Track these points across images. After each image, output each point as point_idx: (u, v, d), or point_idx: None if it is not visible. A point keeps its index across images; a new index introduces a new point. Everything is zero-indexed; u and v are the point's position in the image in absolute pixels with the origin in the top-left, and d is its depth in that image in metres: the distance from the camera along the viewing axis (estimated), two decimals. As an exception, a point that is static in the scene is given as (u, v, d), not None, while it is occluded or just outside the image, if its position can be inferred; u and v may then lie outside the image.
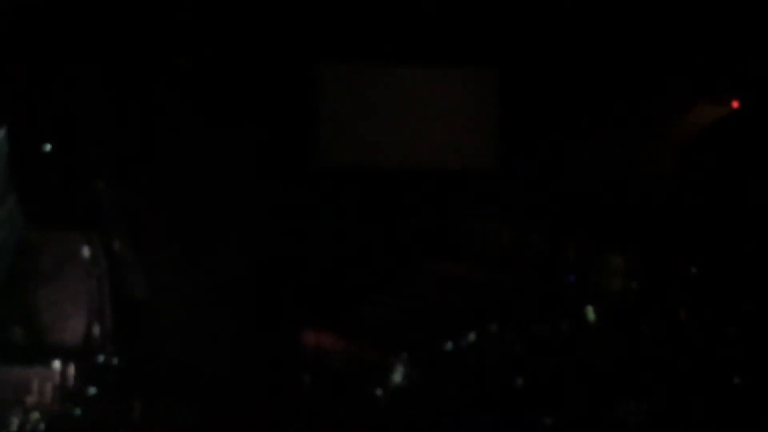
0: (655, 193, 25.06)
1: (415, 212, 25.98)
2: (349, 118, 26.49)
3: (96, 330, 27.85)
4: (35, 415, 24.39)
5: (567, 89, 25.56)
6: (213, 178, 25.99)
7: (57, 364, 26.82)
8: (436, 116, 26.65)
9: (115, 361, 26.92)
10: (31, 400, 26.45)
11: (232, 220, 25.96)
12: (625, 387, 20.81)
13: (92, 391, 26.16)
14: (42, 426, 24.08)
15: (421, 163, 26.32)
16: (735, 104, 25.56)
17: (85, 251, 27.82)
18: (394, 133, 26.40)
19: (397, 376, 23.62)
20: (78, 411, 25.29)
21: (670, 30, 24.81)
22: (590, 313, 23.81)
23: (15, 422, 23.83)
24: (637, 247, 24.74)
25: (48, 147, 26.48)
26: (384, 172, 26.27)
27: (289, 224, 26.01)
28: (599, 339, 22.92)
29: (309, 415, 22.60)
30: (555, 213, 25.70)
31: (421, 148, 26.42)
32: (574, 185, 25.75)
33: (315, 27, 25.26)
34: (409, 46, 25.71)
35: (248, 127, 25.58)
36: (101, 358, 27.14)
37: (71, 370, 26.84)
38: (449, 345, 23.71)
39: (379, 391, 23.33)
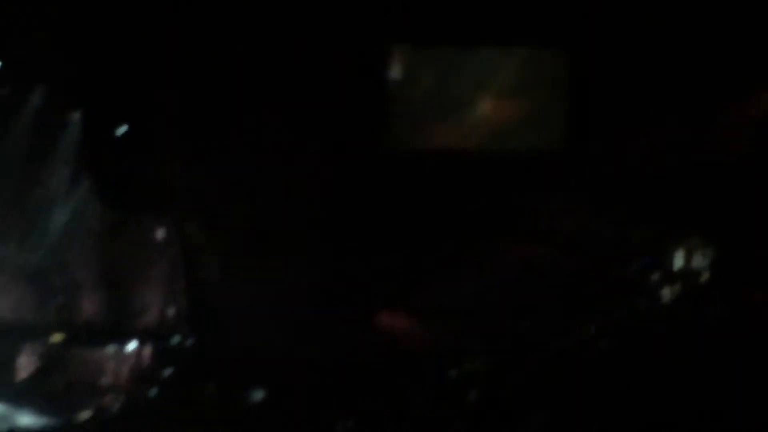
0: (731, 176, 24.72)
1: (488, 194, 25.87)
2: (420, 100, 26.44)
3: (170, 312, 28.19)
4: (111, 397, 24.67)
5: (638, 71, 25.30)
6: (285, 161, 26.05)
7: (132, 345, 27.24)
8: (507, 98, 26.51)
9: (189, 342, 27.25)
10: (106, 381, 26.89)
11: (304, 202, 26.02)
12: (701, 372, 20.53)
13: (167, 372, 26.50)
14: (118, 407, 24.35)
15: (494, 145, 26.22)
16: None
17: (159, 233, 28.13)
18: (466, 115, 26.32)
19: (471, 359, 23.59)
20: (153, 392, 25.59)
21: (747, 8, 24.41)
22: (665, 295, 23.61)
23: (92, 404, 24.16)
24: (713, 231, 24.44)
25: (122, 130, 26.72)
26: (456, 154, 26.19)
27: (361, 208, 26.04)
28: (674, 323, 22.69)
29: (382, 397, 22.64)
30: (628, 195, 25.47)
31: (493, 129, 26.32)
32: (648, 167, 25.50)
33: (387, 8, 25.17)
34: (481, 28, 25.56)
35: (320, 111, 25.60)
36: (176, 340, 27.50)
37: (146, 351, 27.24)
38: (523, 327, 23.60)
39: (452, 374, 23.30)
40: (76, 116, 27.45)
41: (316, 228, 25.91)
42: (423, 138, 26.50)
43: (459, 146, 26.35)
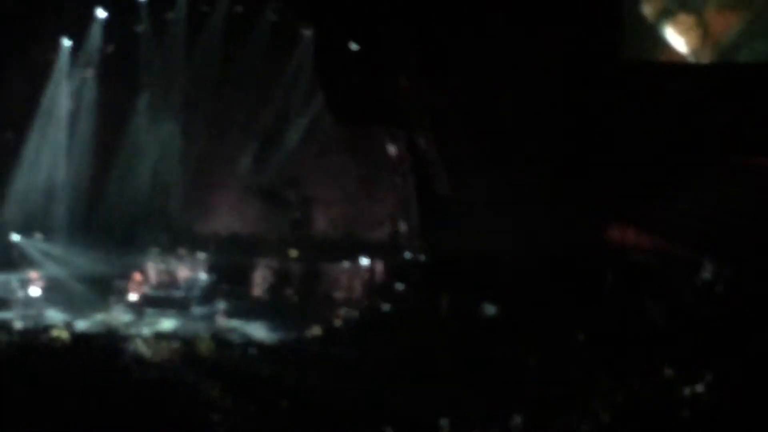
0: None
1: (721, 107, 24.81)
2: (651, 16, 25.56)
3: (402, 226, 28.32)
4: (345, 310, 24.99)
5: None
6: (515, 72, 25.61)
7: (365, 260, 27.53)
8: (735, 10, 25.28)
9: (421, 257, 27.31)
10: (340, 294, 27.31)
11: (532, 115, 25.56)
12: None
13: (399, 286, 26.66)
14: (352, 320, 24.63)
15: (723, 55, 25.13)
16: None
17: (391, 149, 28.19)
18: (699, 30, 25.28)
19: (704, 272, 22.79)
20: (385, 306, 25.77)
21: None
22: None
23: (328, 315, 24.52)
24: None
25: (354, 45, 26.77)
26: (688, 68, 25.24)
27: (592, 120, 25.41)
28: None
29: (612, 308, 22.16)
30: None
31: (719, 39, 25.23)
32: None
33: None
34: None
35: (556, 25, 25.01)
36: (407, 254, 27.63)
37: (379, 265, 27.48)
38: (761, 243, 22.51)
39: (688, 294, 22.58)
40: (309, 32, 27.73)
41: (541, 140, 25.40)
42: (657, 51, 25.59)
43: (694, 59, 25.31)
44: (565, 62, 25.10)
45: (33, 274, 25.33)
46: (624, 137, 24.87)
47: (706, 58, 24.85)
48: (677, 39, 24.84)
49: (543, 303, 22.37)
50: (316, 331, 23.68)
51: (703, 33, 24.92)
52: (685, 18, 25.00)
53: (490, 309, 23.81)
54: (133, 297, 25.22)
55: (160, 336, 22.26)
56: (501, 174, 25.79)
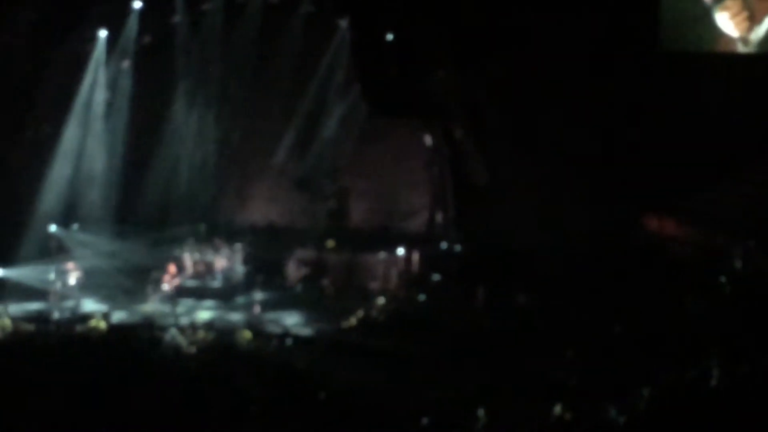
0: None
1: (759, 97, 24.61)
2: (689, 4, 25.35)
3: (439, 217, 28.24)
4: (380, 300, 24.93)
5: None
6: (552, 63, 25.46)
7: (401, 250, 27.46)
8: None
9: (457, 247, 27.23)
10: (376, 285, 27.25)
11: (569, 105, 25.43)
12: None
13: (435, 276, 26.60)
14: (388, 311, 24.57)
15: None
16: None
17: (427, 139, 28.11)
18: (745, 13, 25.05)
19: (739, 262, 22.62)
20: (422, 296, 25.72)
21: None
22: None
23: (364, 306, 24.47)
24: None
25: (390, 37, 26.71)
26: (727, 57, 25.04)
27: (629, 110, 25.27)
28: None
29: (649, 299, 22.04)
30: None
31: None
32: None
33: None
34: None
35: (594, 14, 24.85)
36: (444, 245, 27.55)
37: (415, 256, 27.40)
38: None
39: (722, 279, 22.39)
40: (344, 23, 27.70)
41: (585, 129, 25.26)
42: (692, 40, 25.39)
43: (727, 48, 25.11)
44: (602, 53, 24.99)
45: (70, 265, 25.42)
46: (662, 127, 24.75)
47: (753, 45, 24.71)
48: (726, 24, 24.67)
49: (580, 294, 22.29)
50: (352, 321, 23.68)
51: (750, 17, 24.78)
52: (731, 3, 24.83)
53: (526, 300, 23.77)
54: (167, 288, 25.29)
55: (196, 326, 22.27)
56: (537, 165, 25.72)
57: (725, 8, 24.57)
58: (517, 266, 24.59)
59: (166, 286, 25.23)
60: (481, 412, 15.39)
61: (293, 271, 27.61)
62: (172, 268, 25.73)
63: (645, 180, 24.85)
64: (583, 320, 20.80)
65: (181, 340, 20.74)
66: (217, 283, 26.43)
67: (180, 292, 25.61)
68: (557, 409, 15.52)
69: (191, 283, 26.33)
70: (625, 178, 24.98)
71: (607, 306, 21.58)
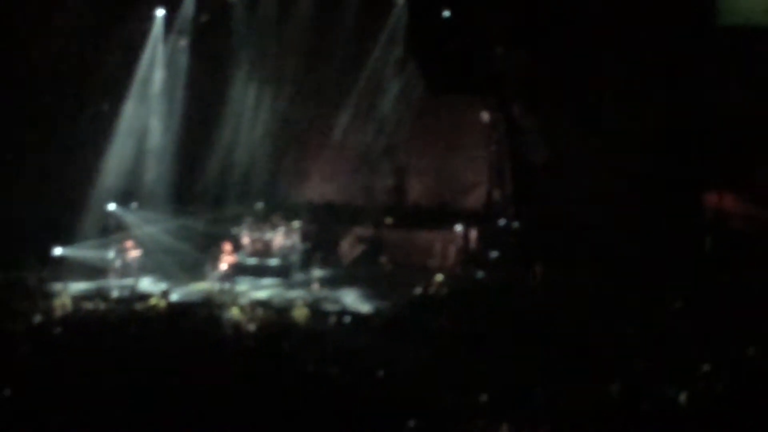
0: None
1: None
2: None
3: (496, 194, 28.07)
4: (438, 277, 24.85)
5: None
6: (610, 39, 25.22)
7: (459, 227, 27.35)
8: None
9: (515, 224, 27.08)
10: (434, 262, 27.17)
11: (628, 84, 25.19)
12: None
13: (493, 254, 26.48)
14: (445, 288, 24.48)
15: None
16: None
17: (485, 116, 27.93)
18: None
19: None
20: (479, 274, 25.63)
21: None
22: None
23: (423, 283, 24.42)
24: None
25: (447, 13, 26.56)
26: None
27: (688, 88, 24.99)
28: None
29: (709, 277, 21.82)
30: None
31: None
32: None
33: None
34: None
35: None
36: (501, 222, 27.41)
37: (473, 234, 27.30)
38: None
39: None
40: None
41: (640, 105, 25.03)
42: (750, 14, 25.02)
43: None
44: (662, 30, 24.69)
45: (128, 243, 25.60)
46: (721, 104, 24.44)
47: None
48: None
49: (638, 272, 22.10)
50: (410, 299, 23.62)
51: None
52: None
53: (584, 277, 23.61)
54: (223, 266, 25.34)
55: (255, 304, 22.34)
56: (596, 142, 25.52)
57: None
58: (576, 244, 24.42)
59: (223, 265, 25.32)
60: (538, 390, 15.29)
61: (351, 248, 27.65)
62: (227, 246, 25.74)
63: (705, 157, 24.62)
64: (642, 298, 20.66)
65: (240, 318, 20.81)
66: (275, 261, 26.49)
67: (239, 271, 25.71)
68: (615, 387, 15.40)
69: (250, 261, 26.42)
70: (684, 155, 24.74)
71: (665, 284, 21.43)
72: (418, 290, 23.93)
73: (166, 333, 19.56)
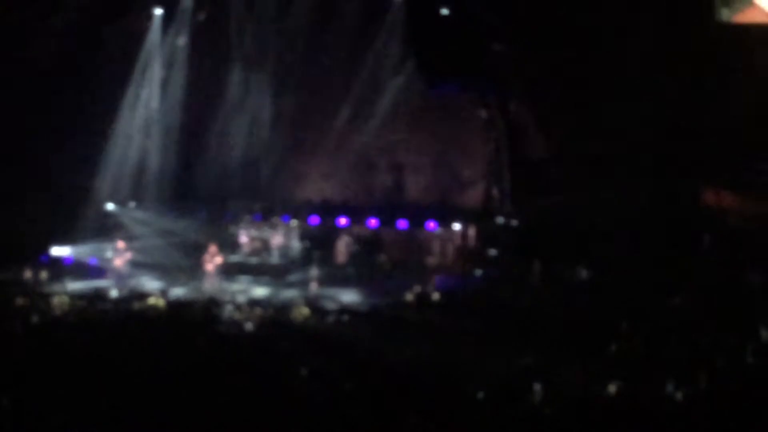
0: None
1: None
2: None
3: (495, 191, 28.07)
4: (437, 275, 24.87)
5: None
6: (609, 36, 25.17)
7: (458, 225, 27.35)
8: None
9: (513, 222, 27.08)
10: (432, 260, 27.20)
11: (626, 80, 25.16)
12: None
13: (492, 251, 26.49)
14: (437, 284, 24.50)
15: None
16: None
17: (483, 113, 27.92)
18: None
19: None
20: (478, 271, 25.64)
21: None
22: None
23: (421, 281, 24.43)
24: None
25: (446, 11, 26.54)
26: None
27: (687, 84, 24.95)
28: None
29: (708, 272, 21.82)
30: None
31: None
32: None
33: None
34: None
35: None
36: (500, 219, 27.41)
37: (471, 231, 27.29)
38: None
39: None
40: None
41: (641, 102, 24.99)
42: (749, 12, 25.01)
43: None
44: (659, 26, 24.65)
45: (127, 243, 25.62)
46: (720, 100, 24.40)
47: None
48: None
49: (637, 268, 22.10)
50: (408, 297, 23.62)
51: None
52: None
53: (583, 274, 23.64)
54: (210, 266, 25.27)
55: (254, 303, 22.36)
56: (595, 138, 25.48)
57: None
58: (574, 241, 24.43)
59: (208, 265, 25.21)
60: (537, 387, 15.27)
61: (349, 247, 27.66)
62: (212, 248, 25.64)
63: (703, 154, 24.60)
64: (641, 295, 20.66)
65: (239, 317, 20.82)
66: (273, 260, 26.51)
67: (237, 269, 25.73)
68: (614, 384, 15.39)
69: (248, 260, 26.43)
70: (682, 152, 24.72)
71: (664, 280, 21.43)
72: (417, 288, 23.95)
73: (166, 333, 19.56)
